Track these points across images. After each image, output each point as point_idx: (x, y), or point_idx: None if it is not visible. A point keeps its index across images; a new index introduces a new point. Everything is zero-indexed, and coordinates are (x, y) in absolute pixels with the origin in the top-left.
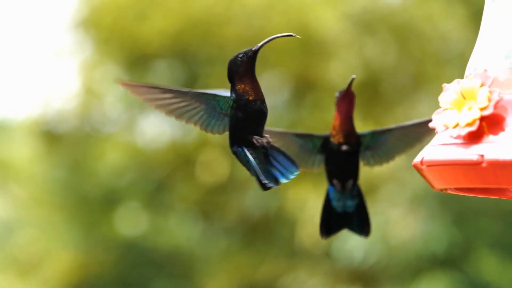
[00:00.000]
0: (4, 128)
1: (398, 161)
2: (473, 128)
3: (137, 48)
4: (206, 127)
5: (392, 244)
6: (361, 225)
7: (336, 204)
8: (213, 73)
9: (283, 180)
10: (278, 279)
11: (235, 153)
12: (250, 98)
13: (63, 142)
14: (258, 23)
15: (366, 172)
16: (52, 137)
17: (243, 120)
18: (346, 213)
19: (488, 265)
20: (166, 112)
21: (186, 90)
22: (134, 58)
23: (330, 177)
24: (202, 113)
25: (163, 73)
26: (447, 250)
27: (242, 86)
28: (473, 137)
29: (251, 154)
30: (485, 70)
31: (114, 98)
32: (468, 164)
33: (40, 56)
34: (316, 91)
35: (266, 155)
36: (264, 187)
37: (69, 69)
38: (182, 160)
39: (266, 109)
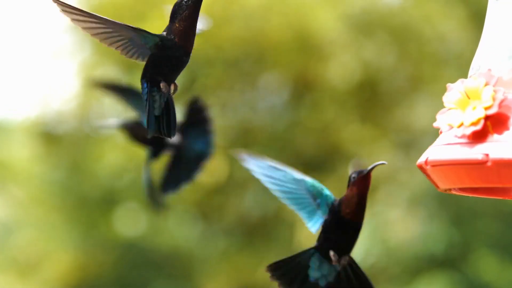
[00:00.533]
0: (3, 128)
1: (397, 162)
2: (478, 127)
3: None
4: (126, 53)
5: (391, 245)
6: None
7: (313, 273)
8: (212, 74)
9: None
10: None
11: (141, 85)
12: (177, 41)
13: (62, 143)
14: (256, 24)
15: None
16: (51, 138)
17: (160, 59)
18: (318, 285)
19: (487, 265)
20: (92, 34)
21: (113, 21)
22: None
23: (326, 246)
24: (125, 41)
25: None
26: (446, 250)
27: (177, 27)
28: (478, 137)
29: (151, 95)
30: (489, 70)
31: (113, 99)
32: (473, 163)
33: (39, 56)
34: (315, 92)
35: (167, 104)
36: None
37: (68, 69)
38: None
39: (186, 61)
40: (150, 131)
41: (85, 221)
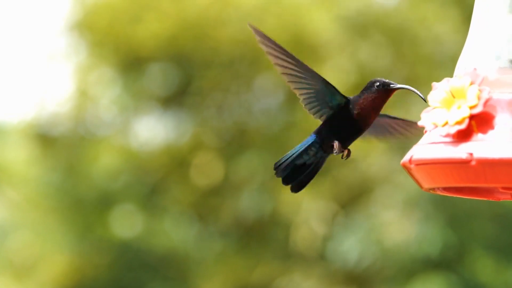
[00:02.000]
0: None
1: (393, 163)
2: (462, 126)
3: (131, 51)
4: (307, 104)
5: (386, 246)
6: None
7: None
8: (208, 76)
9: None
10: (273, 282)
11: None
12: (355, 115)
13: (58, 145)
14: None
15: (361, 174)
16: (47, 140)
17: (339, 121)
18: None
19: (483, 267)
20: (281, 72)
21: (308, 67)
22: (128, 61)
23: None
24: (311, 91)
25: (158, 76)
26: (441, 252)
27: (362, 102)
28: (462, 136)
29: (311, 147)
30: (475, 69)
31: (108, 101)
32: (457, 163)
33: (34, 59)
34: None
35: (317, 165)
36: (276, 173)
37: (64, 72)
38: (176, 163)
39: (360, 133)
40: (278, 173)
41: (81, 223)
